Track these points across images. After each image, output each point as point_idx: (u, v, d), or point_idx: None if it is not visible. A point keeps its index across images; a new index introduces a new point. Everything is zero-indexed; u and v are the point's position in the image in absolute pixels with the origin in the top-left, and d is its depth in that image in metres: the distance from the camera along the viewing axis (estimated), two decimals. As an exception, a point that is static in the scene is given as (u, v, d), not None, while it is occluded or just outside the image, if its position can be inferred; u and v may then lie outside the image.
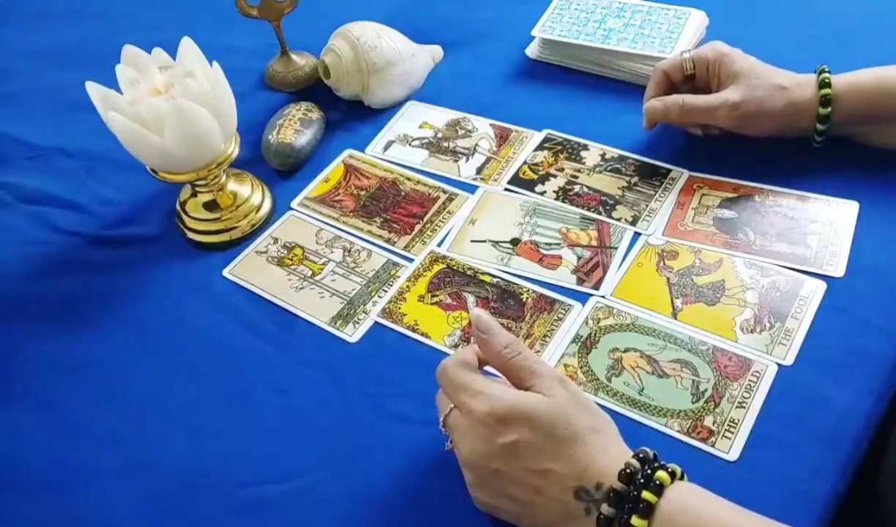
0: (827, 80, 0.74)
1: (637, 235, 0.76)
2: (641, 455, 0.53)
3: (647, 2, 0.95)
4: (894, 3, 0.96)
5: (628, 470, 0.52)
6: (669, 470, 0.52)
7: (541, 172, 0.82)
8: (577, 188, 0.80)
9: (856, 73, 0.75)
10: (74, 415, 0.68)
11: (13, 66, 1.06)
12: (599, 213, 0.78)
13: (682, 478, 0.53)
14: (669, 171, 0.81)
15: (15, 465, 0.66)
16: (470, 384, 0.56)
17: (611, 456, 0.53)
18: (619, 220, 0.77)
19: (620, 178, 0.81)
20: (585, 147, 0.85)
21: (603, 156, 0.83)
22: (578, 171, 0.82)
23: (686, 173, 0.80)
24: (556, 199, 0.80)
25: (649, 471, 0.52)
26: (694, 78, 0.81)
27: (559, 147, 0.85)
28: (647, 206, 0.78)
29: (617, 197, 0.79)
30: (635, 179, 0.81)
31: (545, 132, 0.87)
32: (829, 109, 0.74)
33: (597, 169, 0.82)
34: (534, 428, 0.53)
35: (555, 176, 0.82)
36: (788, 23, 0.95)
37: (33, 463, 0.66)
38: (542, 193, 0.80)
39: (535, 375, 0.56)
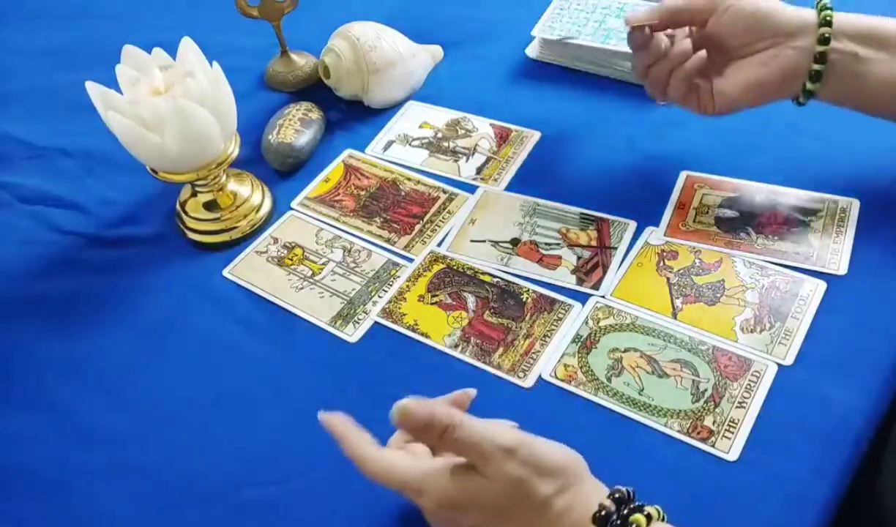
0: (828, 19, 0.68)
1: (638, 232, 0.75)
2: (617, 495, 0.51)
3: (647, 2, 0.95)
4: (893, 2, 0.96)
5: (602, 512, 0.50)
6: (646, 512, 0.50)
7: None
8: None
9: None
10: (74, 415, 0.68)
11: (13, 66, 1.06)
12: None
13: (661, 518, 0.51)
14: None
15: (14, 465, 0.66)
16: (408, 484, 0.53)
17: (576, 516, 0.50)
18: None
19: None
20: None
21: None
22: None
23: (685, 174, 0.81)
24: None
25: (626, 512, 0.50)
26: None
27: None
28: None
29: None
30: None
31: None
32: (829, 29, 0.68)
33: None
34: (488, 513, 0.51)
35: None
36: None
37: (32, 463, 0.66)
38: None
39: (480, 457, 0.50)
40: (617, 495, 0.51)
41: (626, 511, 0.50)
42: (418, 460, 0.55)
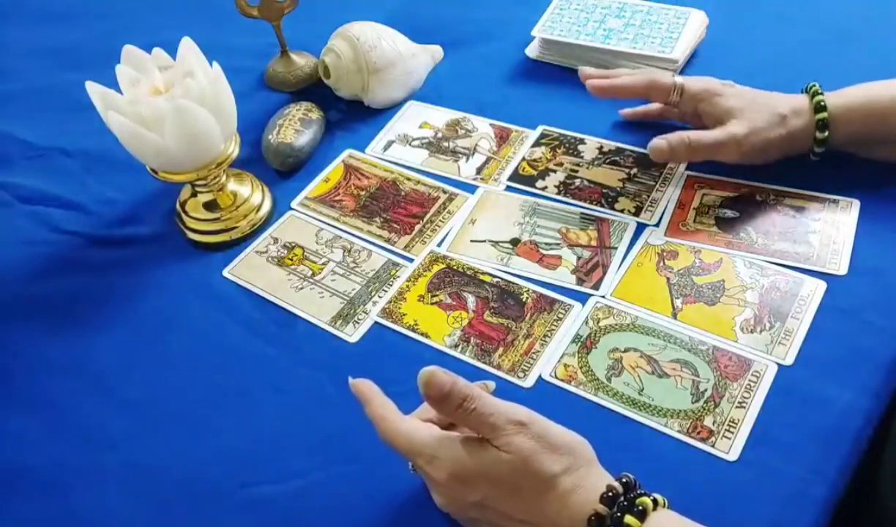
0: (822, 104, 0.73)
1: (638, 232, 0.76)
2: (625, 480, 0.52)
3: (647, 2, 0.95)
4: (894, 3, 0.96)
5: (611, 493, 0.51)
6: (652, 498, 0.51)
7: (540, 168, 0.83)
8: (577, 182, 0.81)
9: (848, 94, 0.74)
10: (74, 415, 0.68)
11: (13, 66, 1.06)
12: (602, 205, 0.78)
13: (665, 507, 0.52)
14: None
15: (14, 465, 0.66)
16: (423, 450, 0.55)
17: (583, 497, 0.52)
18: (622, 211, 0.77)
19: (620, 170, 0.81)
20: (582, 141, 0.85)
21: (600, 149, 0.84)
22: (577, 165, 0.83)
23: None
24: (558, 194, 0.80)
25: (632, 496, 0.51)
26: (676, 106, 0.80)
27: (556, 142, 0.85)
28: (648, 196, 0.78)
29: (618, 189, 0.80)
30: (634, 171, 0.81)
31: (541, 128, 0.87)
32: (826, 134, 0.74)
33: (595, 162, 0.82)
34: (497, 486, 0.53)
35: (554, 171, 0.82)
36: (788, 23, 0.95)
37: (33, 463, 0.66)
38: (544, 189, 0.81)
39: (493, 430, 0.53)
40: (624, 480, 0.52)
41: (632, 495, 0.51)
42: (435, 430, 0.57)
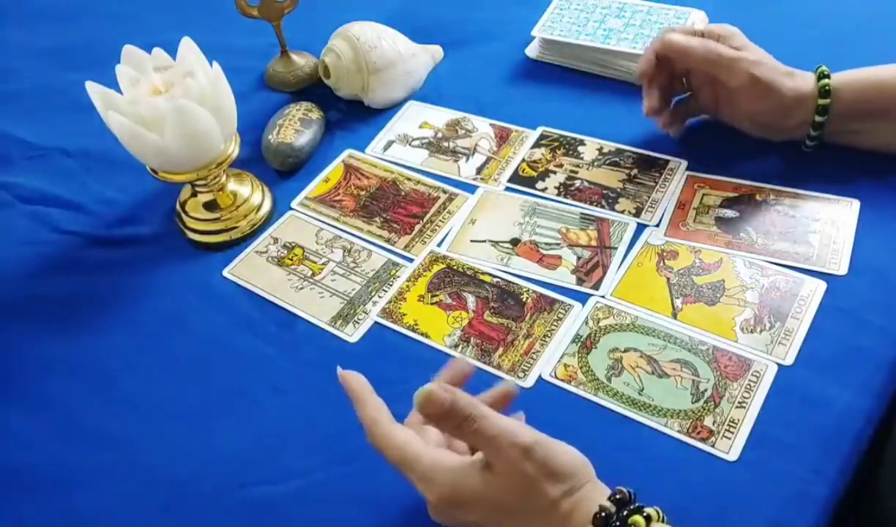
0: (826, 73, 0.74)
1: (638, 232, 0.76)
2: (618, 496, 0.51)
3: (647, 2, 0.95)
4: (894, 3, 0.96)
5: (602, 513, 0.50)
6: (645, 514, 0.50)
7: (540, 169, 0.83)
8: (577, 183, 0.81)
9: (854, 70, 0.75)
10: (74, 415, 0.68)
11: (13, 66, 1.06)
12: (602, 206, 0.78)
13: (661, 520, 0.51)
14: (667, 161, 0.82)
15: (14, 465, 0.66)
16: (414, 466, 0.53)
17: (580, 516, 0.51)
18: (622, 212, 0.77)
19: (620, 171, 0.81)
20: (582, 142, 0.85)
21: (600, 150, 0.84)
22: (577, 166, 0.83)
23: (684, 163, 0.81)
24: (558, 195, 0.80)
25: (625, 513, 0.50)
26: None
27: (556, 143, 0.85)
28: (648, 197, 0.78)
29: (618, 190, 0.80)
30: (634, 172, 0.81)
31: (540, 129, 0.87)
32: (829, 100, 0.73)
33: (595, 163, 0.82)
34: (490, 509, 0.52)
35: (554, 172, 0.82)
36: (789, 23, 0.95)
37: (33, 463, 0.66)
38: (544, 190, 0.81)
39: (495, 452, 0.51)
40: (618, 497, 0.51)
41: (625, 512, 0.50)
42: (430, 448, 0.54)
